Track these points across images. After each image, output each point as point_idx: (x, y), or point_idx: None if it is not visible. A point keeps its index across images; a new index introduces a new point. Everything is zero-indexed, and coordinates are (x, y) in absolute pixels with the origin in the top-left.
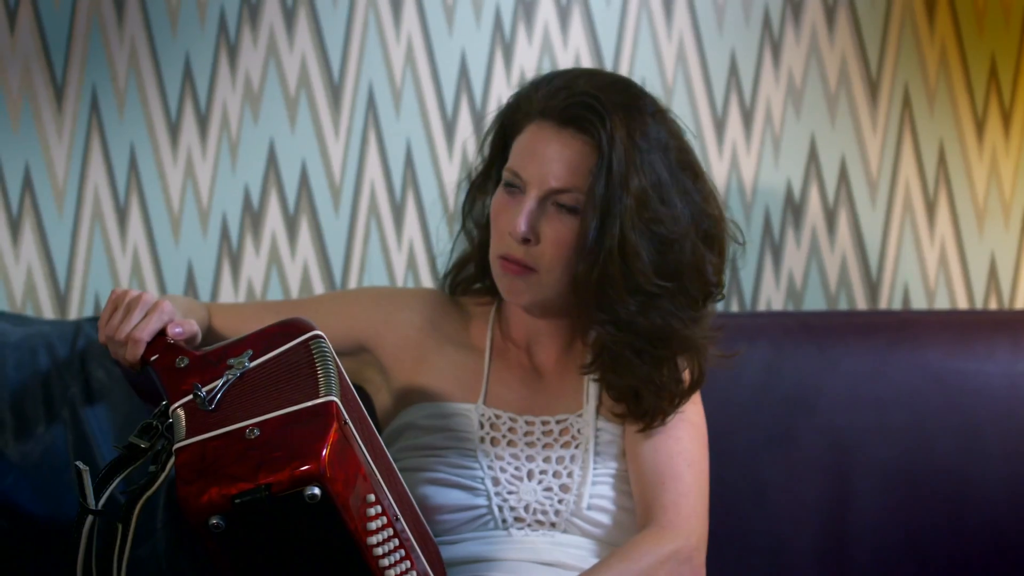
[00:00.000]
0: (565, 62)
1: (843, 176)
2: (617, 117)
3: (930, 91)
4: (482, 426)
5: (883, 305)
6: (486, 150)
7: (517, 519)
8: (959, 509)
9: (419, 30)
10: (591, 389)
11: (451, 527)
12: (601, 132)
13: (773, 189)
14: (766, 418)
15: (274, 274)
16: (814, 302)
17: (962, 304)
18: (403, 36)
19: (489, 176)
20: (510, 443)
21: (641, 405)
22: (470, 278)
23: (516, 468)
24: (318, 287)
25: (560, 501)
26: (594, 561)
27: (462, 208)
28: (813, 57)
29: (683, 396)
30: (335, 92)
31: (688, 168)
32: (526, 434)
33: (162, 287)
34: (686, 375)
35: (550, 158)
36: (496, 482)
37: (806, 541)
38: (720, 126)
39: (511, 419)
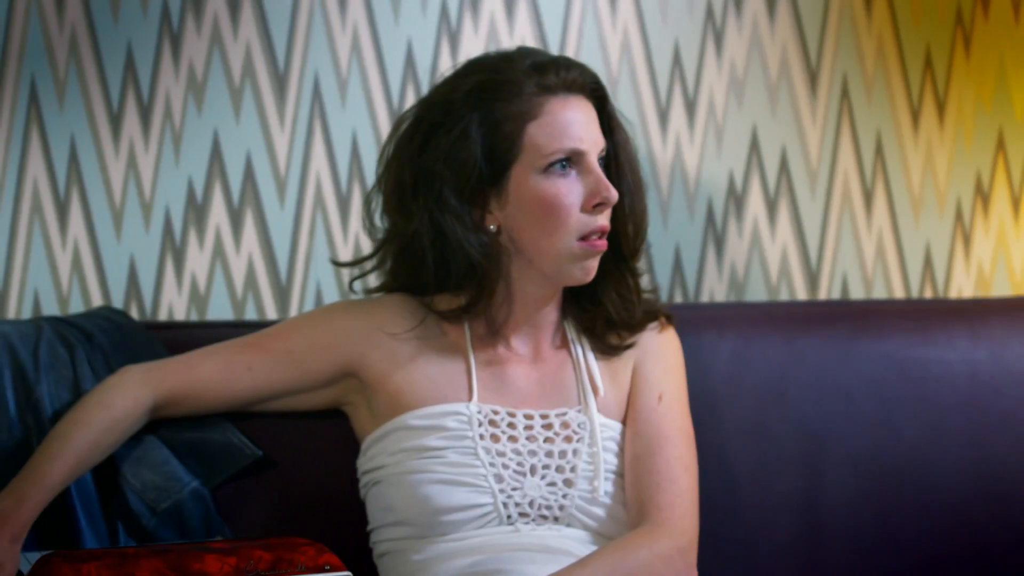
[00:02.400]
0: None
1: (784, 167)
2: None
3: (868, 81)
4: (480, 423)
5: (822, 295)
6: (476, 153)
7: (522, 514)
8: (927, 494)
9: (365, 19)
10: (587, 384)
11: (457, 526)
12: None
13: (716, 180)
14: (737, 410)
15: (218, 268)
16: (755, 293)
17: (899, 293)
18: (349, 25)
19: (498, 175)
20: (511, 439)
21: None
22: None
23: (519, 464)
24: (263, 281)
25: (564, 496)
26: (590, 545)
27: (469, 216)
28: (755, 48)
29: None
30: (280, 82)
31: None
32: (526, 428)
33: (103, 282)
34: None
35: (592, 123)
36: (499, 479)
37: (780, 530)
38: (664, 116)
39: (509, 414)
